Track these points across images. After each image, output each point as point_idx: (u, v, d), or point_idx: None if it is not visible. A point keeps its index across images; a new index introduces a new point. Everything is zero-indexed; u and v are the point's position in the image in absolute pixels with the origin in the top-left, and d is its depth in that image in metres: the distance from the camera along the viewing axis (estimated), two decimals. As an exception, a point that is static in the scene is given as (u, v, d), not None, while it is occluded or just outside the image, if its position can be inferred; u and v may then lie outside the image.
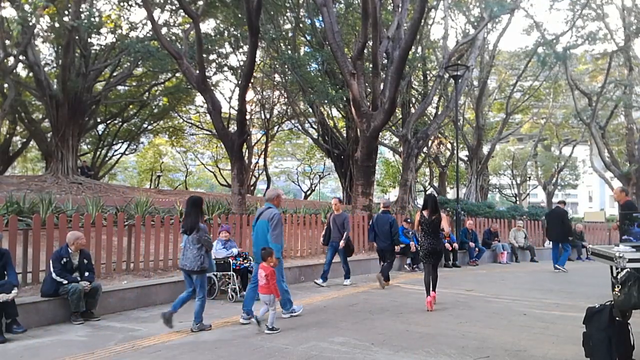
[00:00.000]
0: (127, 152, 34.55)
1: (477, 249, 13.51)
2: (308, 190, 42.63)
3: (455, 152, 24.41)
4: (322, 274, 8.99)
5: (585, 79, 29.12)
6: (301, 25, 20.88)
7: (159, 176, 40.09)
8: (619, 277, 3.85)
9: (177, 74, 22.15)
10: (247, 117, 22.16)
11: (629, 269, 3.79)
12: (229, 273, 7.43)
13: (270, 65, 23.54)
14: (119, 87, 24.33)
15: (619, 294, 3.77)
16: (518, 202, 38.29)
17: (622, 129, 28.18)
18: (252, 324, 5.72)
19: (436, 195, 27.90)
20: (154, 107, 27.67)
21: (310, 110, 24.37)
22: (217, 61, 22.11)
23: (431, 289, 6.98)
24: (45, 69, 19.08)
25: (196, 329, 5.58)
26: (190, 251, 5.64)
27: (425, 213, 7.19)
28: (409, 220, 12.34)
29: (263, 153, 32.96)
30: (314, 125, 26.90)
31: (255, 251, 6.21)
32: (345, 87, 15.00)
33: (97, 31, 17.36)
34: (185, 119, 32.31)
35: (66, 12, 17.32)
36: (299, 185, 45.22)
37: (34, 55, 17.43)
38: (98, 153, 29.58)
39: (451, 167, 30.45)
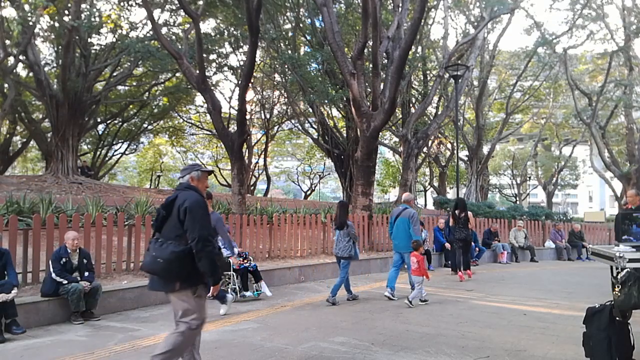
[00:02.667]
0: (127, 152, 34.55)
1: (477, 248, 13.51)
2: (308, 190, 42.62)
3: (455, 152, 24.42)
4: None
5: (585, 79, 29.13)
6: (301, 25, 20.88)
7: (159, 176, 40.09)
8: (619, 277, 3.85)
9: (177, 74, 22.14)
10: (247, 117, 22.14)
11: (629, 269, 3.79)
12: (229, 273, 7.43)
13: (270, 65, 23.53)
14: (119, 87, 24.32)
15: (619, 294, 3.77)
16: (518, 202, 38.27)
17: (622, 129, 28.19)
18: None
19: (437, 194, 27.99)
20: (154, 107, 27.66)
21: (310, 110, 24.35)
22: (217, 61, 22.09)
23: (462, 268, 9.93)
24: (45, 69, 19.07)
25: (331, 300, 7.15)
26: (342, 242, 7.41)
27: (457, 212, 10.38)
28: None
29: (263, 153, 32.96)
30: (314, 125, 26.88)
31: (395, 243, 7.83)
32: (345, 87, 14.99)
33: (97, 31, 17.36)
34: (185, 119, 32.30)
35: (66, 12, 17.31)
36: (299, 185, 45.22)
37: (34, 55, 17.42)
38: (98, 153, 29.57)
39: (451, 167, 30.46)
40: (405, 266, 7.74)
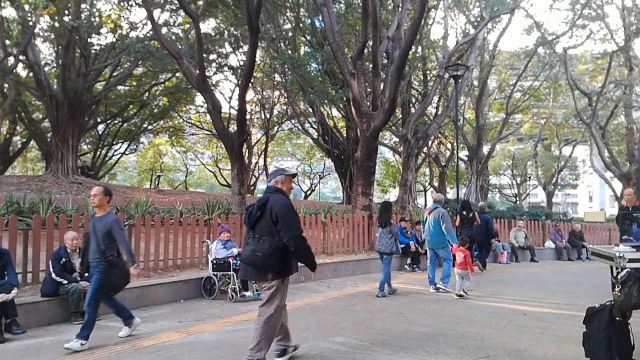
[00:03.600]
0: (127, 152, 34.56)
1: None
2: (308, 190, 42.62)
3: (455, 152, 24.42)
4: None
5: (585, 79, 29.14)
6: (301, 25, 20.88)
7: (159, 176, 40.08)
8: (619, 277, 3.85)
9: (177, 74, 22.15)
10: (247, 117, 22.15)
11: (629, 269, 3.79)
12: (229, 273, 7.43)
13: (270, 65, 23.54)
14: (119, 87, 24.34)
15: (619, 294, 3.77)
16: (518, 202, 38.28)
17: (622, 129, 28.19)
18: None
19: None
20: (154, 107, 27.68)
21: (310, 110, 24.37)
22: (217, 61, 22.10)
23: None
24: (45, 69, 19.07)
25: (381, 294, 7.76)
26: (385, 239, 7.99)
27: (464, 212, 11.33)
28: (407, 219, 12.36)
29: (263, 153, 32.96)
30: (314, 125, 26.90)
31: (429, 239, 8.56)
32: (345, 87, 14.99)
33: (97, 31, 17.37)
34: (185, 119, 32.31)
35: (66, 12, 17.32)
36: (299, 185, 45.20)
37: (34, 55, 17.43)
38: (98, 153, 29.58)
39: (451, 167, 30.46)
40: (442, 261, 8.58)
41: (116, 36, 19.14)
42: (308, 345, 4.91)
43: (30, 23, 15.99)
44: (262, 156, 33.21)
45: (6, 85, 19.69)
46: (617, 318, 3.83)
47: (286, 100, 26.05)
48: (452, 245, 8.36)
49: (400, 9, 15.02)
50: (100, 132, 29.14)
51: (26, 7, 15.75)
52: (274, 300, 4.17)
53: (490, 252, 14.09)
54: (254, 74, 19.49)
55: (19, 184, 16.27)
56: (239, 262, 7.57)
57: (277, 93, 27.92)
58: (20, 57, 17.97)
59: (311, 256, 4.29)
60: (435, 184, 35.04)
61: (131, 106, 26.82)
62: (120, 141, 31.07)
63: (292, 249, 4.06)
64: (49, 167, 20.51)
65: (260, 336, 4.05)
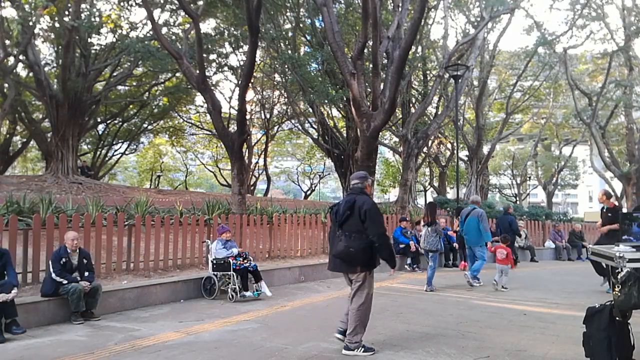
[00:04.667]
0: (127, 152, 34.55)
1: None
2: (308, 190, 42.61)
3: (455, 152, 24.41)
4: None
5: (585, 79, 29.11)
6: (301, 25, 20.87)
7: (159, 176, 40.07)
8: (619, 277, 3.85)
9: (177, 74, 22.13)
10: (247, 117, 22.14)
11: (629, 269, 3.79)
12: (229, 273, 7.43)
13: (270, 65, 23.52)
14: (119, 87, 24.32)
15: (619, 294, 3.77)
16: (518, 202, 38.27)
17: (622, 129, 28.17)
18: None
19: (437, 194, 27.95)
20: (154, 107, 27.66)
21: (310, 110, 24.35)
22: (217, 61, 22.09)
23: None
24: (45, 69, 19.06)
25: (429, 289, 8.36)
26: (430, 237, 8.54)
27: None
28: (407, 219, 12.35)
29: (263, 153, 32.96)
30: (314, 125, 26.87)
31: (467, 238, 9.22)
32: (345, 87, 14.98)
33: (97, 31, 17.35)
34: (185, 119, 32.30)
35: (66, 12, 17.31)
36: (299, 185, 45.22)
37: (34, 55, 17.42)
38: (98, 153, 29.57)
39: (451, 167, 30.46)
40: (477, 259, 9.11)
41: (116, 36, 19.13)
42: (308, 345, 4.91)
43: (30, 23, 15.98)
44: (262, 156, 33.21)
45: (6, 85, 19.68)
46: (617, 318, 3.83)
47: (286, 100, 26.03)
48: (487, 244, 9.11)
49: (400, 9, 15.01)
50: (100, 132, 29.13)
51: (26, 7, 15.75)
52: (364, 289, 4.66)
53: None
54: (254, 74, 19.48)
55: (19, 184, 16.26)
56: (238, 262, 7.59)
57: (277, 93, 27.90)
58: (20, 57, 17.96)
59: (392, 253, 4.83)
60: (435, 184, 35.04)
61: (131, 106, 26.80)
62: (120, 141, 31.05)
63: (376, 244, 4.54)
64: (49, 167, 20.50)
65: (355, 322, 4.57)
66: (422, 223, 9.52)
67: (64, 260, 6.02)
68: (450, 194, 33.45)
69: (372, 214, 4.54)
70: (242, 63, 21.79)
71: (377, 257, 4.70)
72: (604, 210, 8.57)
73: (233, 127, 18.97)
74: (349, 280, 4.83)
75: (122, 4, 18.81)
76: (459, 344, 4.96)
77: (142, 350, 4.80)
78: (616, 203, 8.67)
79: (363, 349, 4.58)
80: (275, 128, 32.43)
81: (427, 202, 10.44)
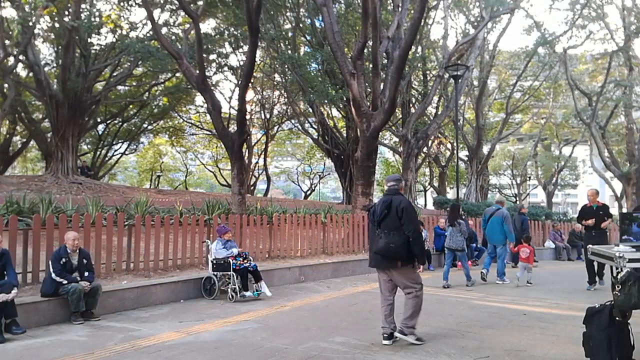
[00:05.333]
0: (127, 152, 34.54)
1: (477, 249, 13.50)
2: (308, 190, 42.60)
3: (455, 152, 24.41)
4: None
5: (585, 79, 29.12)
6: (301, 25, 20.88)
7: (159, 176, 40.06)
8: (619, 277, 3.85)
9: (177, 74, 22.13)
10: (247, 117, 22.15)
11: (629, 269, 3.79)
12: (229, 273, 7.43)
13: (270, 65, 23.54)
14: (119, 87, 24.31)
15: (619, 294, 3.77)
16: (518, 202, 38.26)
17: (622, 129, 28.18)
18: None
19: (437, 194, 27.96)
20: (154, 107, 27.66)
21: (310, 110, 24.36)
22: (217, 61, 22.08)
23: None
24: (45, 69, 19.06)
25: (470, 284, 9.02)
26: (455, 237, 9.03)
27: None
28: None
29: (263, 153, 32.95)
30: (314, 125, 26.89)
31: (490, 237, 9.66)
32: (345, 87, 14.99)
33: (97, 31, 17.34)
34: (185, 119, 32.30)
35: (66, 12, 17.31)
36: (299, 185, 45.21)
37: (34, 55, 17.41)
38: (98, 153, 29.57)
39: (451, 167, 30.46)
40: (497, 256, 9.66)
41: (116, 36, 19.12)
42: (308, 345, 4.91)
43: (30, 23, 15.97)
44: (262, 156, 33.20)
45: (6, 85, 19.68)
46: (617, 318, 3.83)
47: (286, 100, 26.04)
48: (510, 243, 9.57)
49: (400, 9, 15.02)
50: (100, 132, 29.13)
51: (26, 7, 15.73)
52: (412, 282, 5.04)
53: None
54: (254, 74, 19.49)
55: (19, 184, 16.26)
56: (238, 262, 7.59)
57: (277, 93, 27.91)
58: (20, 57, 17.95)
59: (423, 249, 5.26)
60: (435, 184, 35.04)
61: (131, 106, 26.80)
62: (120, 141, 31.05)
63: (411, 239, 4.88)
64: (49, 167, 20.50)
65: (412, 308, 4.99)
66: (446, 223, 9.98)
67: (64, 260, 6.02)
68: (450, 194, 33.47)
69: (408, 212, 4.93)
70: (242, 63, 21.80)
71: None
72: (595, 209, 8.66)
73: (233, 127, 18.97)
74: (387, 277, 5.13)
75: (122, 4, 18.81)
76: (459, 344, 4.96)
77: (142, 350, 4.80)
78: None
79: (415, 337, 4.96)
80: (275, 128, 32.44)
81: (451, 203, 11.48)
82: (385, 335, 5.03)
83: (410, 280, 5.02)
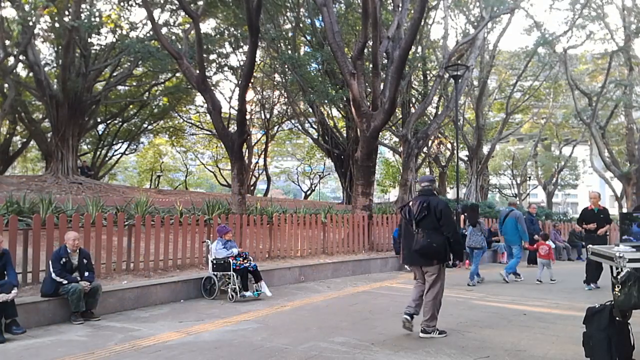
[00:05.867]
0: (127, 152, 34.55)
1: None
2: (308, 190, 42.60)
3: (455, 152, 24.40)
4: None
5: (585, 79, 29.11)
6: (301, 25, 20.88)
7: (159, 176, 40.06)
8: (619, 277, 3.85)
9: (177, 74, 22.13)
10: (247, 117, 22.14)
11: (629, 269, 3.79)
12: (229, 273, 7.43)
13: (270, 65, 23.54)
14: (119, 87, 24.32)
15: (619, 294, 3.77)
16: (518, 202, 38.25)
17: (622, 129, 28.17)
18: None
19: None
20: (154, 107, 27.66)
21: (310, 110, 24.37)
22: (217, 61, 22.09)
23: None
24: (45, 69, 19.06)
25: (472, 283, 9.16)
26: (476, 236, 9.59)
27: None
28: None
29: (263, 153, 32.96)
30: (314, 125, 26.90)
31: (506, 238, 10.14)
32: (345, 87, 14.99)
33: (97, 31, 17.34)
34: (185, 119, 32.30)
35: (66, 12, 17.31)
36: (299, 185, 45.20)
37: (34, 55, 17.41)
38: (98, 153, 29.57)
39: (451, 167, 30.45)
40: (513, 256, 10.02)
41: (116, 36, 19.12)
42: (308, 345, 4.91)
43: (30, 23, 15.97)
44: (262, 156, 33.20)
45: (6, 85, 19.67)
46: (617, 318, 3.83)
47: (286, 100, 26.05)
48: (525, 243, 10.14)
49: (400, 9, 15.01)
50: (100, 132, 29.13)
51: (26, 7, 15.73)
52: (439, 280, 5.30)
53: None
54: (254, 74, 19.49)
55: (19, 184, 16.26)
56: (238, 262, 7.59)
57: (277, 93, 27.92)
58: (20, 57, 17.95)
59: (462, 247, 5.65)
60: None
61: (131, 106, 26.80)
62: (120, 141, 31.05)
63: (450, 239, 5.20)
64: (49, 167, 20.50)
65: (431, 310, 5.23)
66: (466, 223, 10.43)
67: (64, 260, 6.02)
68: (450, 194, 33.44)
69: (447, 213, 5.25)
70: (242, 63, 21.81)
71: (449, 252, 5.31)
72: (596, 212, 8.65)
73: (233, 127, 18.97)
74: (421, 274, 5.45)
75: (122, 4, 18.81)
76: (459, 344, 4.96)
77: (142, 350, 4.80)
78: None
79: (438, 331, 5.28)
80: (275, 128, 32.44)
81: (470, 204, 12.44)
82: (406, 313, 5.40)
83: (436, 280, 5.29)
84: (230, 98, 28.28)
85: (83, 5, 16.92)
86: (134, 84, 24.85)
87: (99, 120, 26.07)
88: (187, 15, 14.32)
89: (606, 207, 9.35)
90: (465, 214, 10.19)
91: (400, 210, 5.64)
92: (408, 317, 5.36)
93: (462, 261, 5.46)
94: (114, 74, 21.51)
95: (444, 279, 5.40)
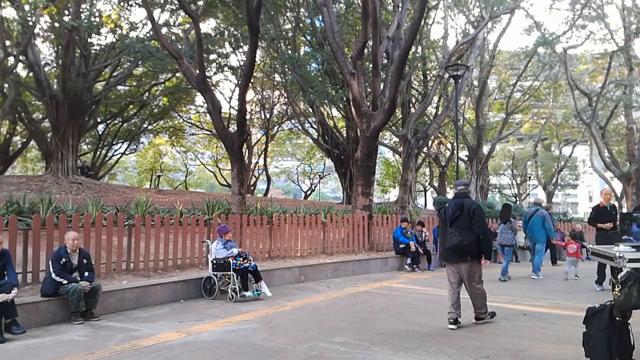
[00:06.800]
0: (127, 152, 34.55)
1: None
2: (308, 190, 42.61)
3: (455, 152, 24.41)
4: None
5: (585, 79, 29.11)
6: (301, 25, 20.88)
7: (159, 176, 40.07)
8: (619, 277, 3.85)
9: (177, 74, 22.14)
10: (247, 117, 22.15)
11: (629, 269, 3.79)
12: (229, 273, 7.43)
13: (270, 65, 23.54)
14: (119, 87, 24.32)
15: (619, 294, 3.77)
16: (518, 202, 38.27)
17: (622, 129, 28.17)
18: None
19: (437, 194, 27.94)
20: (154, 107, 27.66)
21: (310, 110, 24.37)
22: (217, 61, 22.09)
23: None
24: (45, 69, 19.05)
25: (503, 279, 9.74)
26: (506, 233, 10.36)
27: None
28: (408, 220, 12.35)
29: (263, 153, 32.96)
30: (314, 125, 26.90)
31: (530, 236, 10.50)
32: (345, 87, 14.99)
33: (97, 31, 17.35)
34: (185, 119, 32.30)
35: (66, 12, 17.31)
36: (299, 185, 45.22)
37: (34, 55, 17.41)
38: (98, 153, 29.57)
39: (451, 167, 30.45)
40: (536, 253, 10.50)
41: (116, 36, 19.12)
42: (308, 345, 4.91)
43: (30, 23, 15.97)
44: (262, 156, 33.20)
45: (6, 85, 19.67)
46: (617, 318, 3.83)
47: (286, 100, 26.05)
48: (553, 240, 10.78)
49: (400, 9, 15.01)
50: (100, 132, 29.13)
51: (26, 7, 15.72)
52: (475, 273, 5.79)
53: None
54: (254, 74, 19.49)
55: (19, 184, 16.26)
56: (238, 262, 7.59)
57: (277, 93, 27.93)
58: (20, 57, 17.95)
59: (491, 246, 6.16)
60: (435, 184, 35.04)
61: (131, 106, 26.80)
62: (120, 141, 31.05)
63: (481, 237, 5.62)
64: (49, 167, 20.50)
65: (480, 300, 5.84)
66: (498, 221, 11.11)
67: (64, 260, 6.02)
68: (450, 194, 33.43)
69: (479, 214, 5.69)
70: (242, 63, 21.81)
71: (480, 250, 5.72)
72: (608, 209, 8.53)
73: (233, 127, 18.97)
74: (455, 270, 5.85)
75: (122, 4, 18.81)
76: (459, 344, 4.96)
77: (142, 350, 4.80)
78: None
79: (490, 315, 5.91)
80: (275, 128, 32.44)
81: (503, 203, 13.49)
82: (451, 320, 5.71)
83: (474, 274, 5.76)
84: (230, 98, 28.30)
85: (83, 5, 16.92)
86: (134, 84, 24.85)
87: (99, 120, 26.07)
88: (187, 15, 14.33)
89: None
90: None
91: (437, 212, 6.52)
92: (454, 326, 5.68)
93: (490, 259, 6.13)
94: (114, 74, 21.51)
95: (480, 272, 5.87)
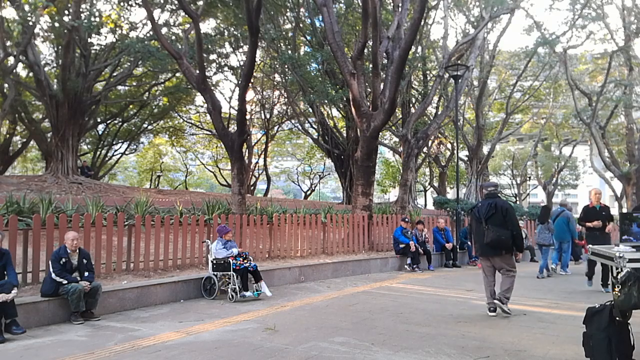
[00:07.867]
0: (127, 152, 34.55)
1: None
2: (308, 190, 42.60)
3: (455, 152, 24.42)
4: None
5: (585, 79, 29.10)
6: (301, 25, 20.87)
7: (159, 176, 40.07)
8: (619, 277, 3.85)
9: (177, 74, 22.14)
10: (247, 117, 22.15)
11: (629, 269, 3.79)
12: (229, 273, 7.43)
13: (270, 65, 23.54)
14: (119, 87, 24.32)
15: (619, 294, 3.77)
16: (518, 202, 38.26)
17: (622, 129, 28.17)
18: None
19: (437, 194, 27.97)
20: (154, 107, 27.66)
21: (310, 110, 24.37)
22: (217, 61, 22.09)
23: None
24: (45, 69, 19.05)
25: (541, 276, 10.30)
26: (544, 234, 10.62)
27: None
28: (407, 220, 12.35)
29: (263, 153, 32.96)
30: (314, 125, 26.90)
31: (557, 235, 10.66)
32: (345, 87, 14.99)
33: (97, 31, 17.34)
34: (185, 119, 32.31)
35: (66, 12, 17.30)
36: (299, 185, 45.21)
37: (34, 55, 17.40)
38: (98, 153, 29.57)
39: (451, 167, 30.46)
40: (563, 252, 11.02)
41: (116, 36, 19.12)
42: (308, 345, 4.91)
43: (30, 23, 15.97)
44: (262, 156, 33.21)
45: (6, 85, 19.67)
46: (617, 318, 3.83)
47: (286, 100, 26.05)
48: (575, 240, 11.39)
49: (400, 9, 15.01)
50: (100, 132, 29.14)
51: (26, 7, 15.72)
52: (510, 265, 6.46)
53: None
54: (254, 74, 19.49)
55: (19, 184, 16.26)
56: (238, 262, 7.59)
57: (277, 93, 27.93)
58: (20, 57, 17.93)
59: (522, 241, 6.60)
60: (435, 184, 35.05)
61: (131, 106, 26.80)
62: (120, 141, 31.05)
63: (514, 233, 6.25)
64: (49, 167, 20.49)
65: (508, 285, 6.39)
66: (537, 222, 11.63)
67: (63, 260, 6.02)
68: (450, 194, 33.47)
69: (511, 213, 6.34)
70: (242, 63, 21.81)
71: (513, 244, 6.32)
72: (598, 209, 8.65)
73: (233, 127, 18.98)
74: (490, 264, 6.53)
75: (122, 4, 18.80)
76: (459, 344, 4.96)
77: (142, 350, 4.80)
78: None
79: (508, 307, 6.39)
80: (275, 128, 32.44)
81: (542, 204, 13.89)
82: (491, 309, 6.39)
83: (509, 265, 6.43)
84: (230, 98, 28.32)
85: (83, 5, 16.92)
86: (134, 84, 24.85)
87: (99, 120, 26.07)
88: (187, 15, 14.32)
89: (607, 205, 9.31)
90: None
91: (470, 211, 7.03)
92: (493, 314, 6.36)
93: (522, 252, 7.01)
94: (114, 74, 21.51)
95: (514, 262, 6.55)
